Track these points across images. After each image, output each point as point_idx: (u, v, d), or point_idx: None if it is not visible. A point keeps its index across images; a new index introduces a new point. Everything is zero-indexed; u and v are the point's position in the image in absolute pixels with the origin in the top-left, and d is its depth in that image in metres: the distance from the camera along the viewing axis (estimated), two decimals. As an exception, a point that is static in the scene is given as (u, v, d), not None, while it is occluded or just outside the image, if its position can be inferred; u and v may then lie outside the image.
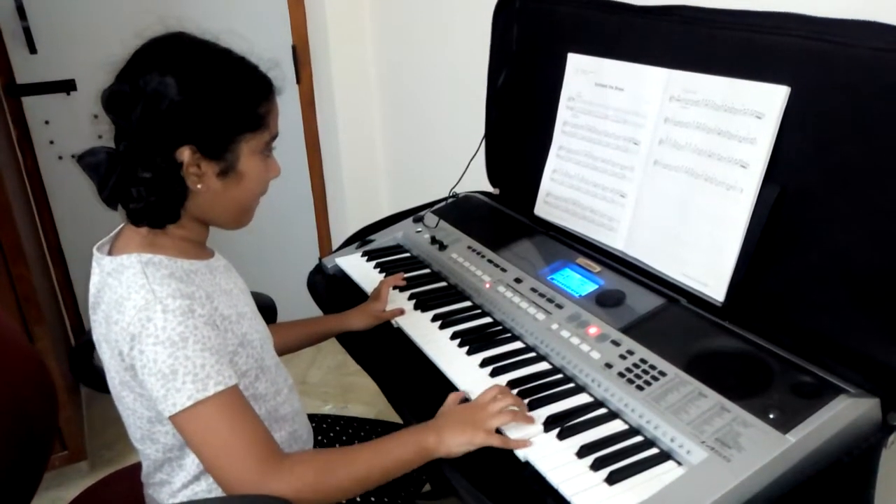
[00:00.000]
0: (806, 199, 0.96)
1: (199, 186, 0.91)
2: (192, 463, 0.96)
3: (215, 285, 0.96)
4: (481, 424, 0.91)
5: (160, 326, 0.84)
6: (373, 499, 1.14)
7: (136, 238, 0.93)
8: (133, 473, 1.21)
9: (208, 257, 1.00)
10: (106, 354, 0.94)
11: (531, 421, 0.94)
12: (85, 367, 1.27)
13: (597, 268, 1.20)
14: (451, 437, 0.91)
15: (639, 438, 0.90)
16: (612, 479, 0.83)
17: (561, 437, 0.91)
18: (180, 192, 0.91)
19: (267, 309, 1.38)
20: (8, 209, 1.67)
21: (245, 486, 0.84)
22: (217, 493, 0.98)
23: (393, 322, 1.24)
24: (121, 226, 1.00)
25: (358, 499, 1.12)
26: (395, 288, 1.30)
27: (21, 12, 1.97)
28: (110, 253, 0.94)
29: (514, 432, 0.93)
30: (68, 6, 2.04)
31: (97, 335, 0.96)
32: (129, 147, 0.89)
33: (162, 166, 0.88)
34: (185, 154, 0.88)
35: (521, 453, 0.90)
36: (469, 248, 1.37)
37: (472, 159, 1.51)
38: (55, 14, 2.03)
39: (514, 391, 1.00)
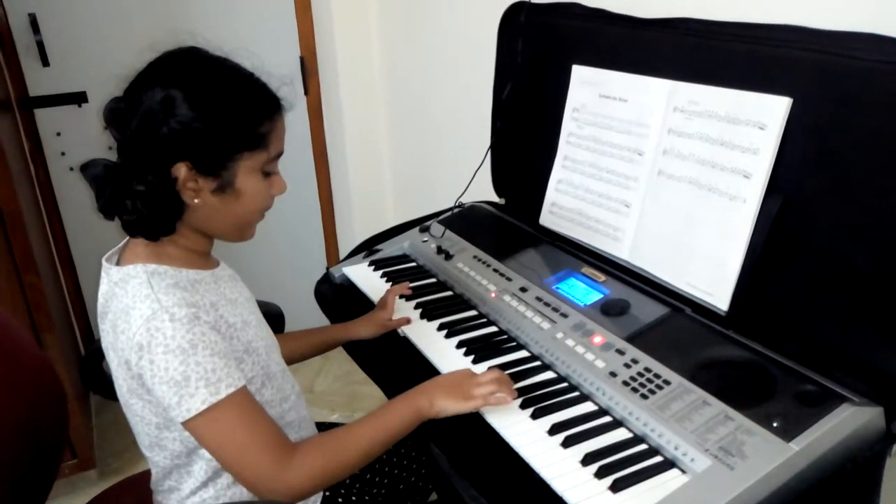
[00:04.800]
0: (809, 209, 0.97)
1: (196, 201, 0.92)
2: (200, 469, 0.98)
3: (220, 294, 0.98)
4: (468, 394, 0.98)
5: (169, 335, 0.85)
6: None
7: (142, 248, 0.94)
8: (141, 482, 1.22)
9: (213, 267, 1.01)
10: (114, 362, 0.95)
11: (507, 400, 1.00)
12: (95, 375, 1.29)
13: (602, 277, 1.21)
14: (442, 400, 0.97)
15: (643, 446, 0.91)
16: (616, 487, 0.84)
17: (566, 444, 0.92)
18: (175, 207, 0.92)
19: (275, 317, 1.39)
20: (20, 219, 1.69)
21: (264, 481, 0.89)
22: (224, 499, 0.99)
23: (399, 331, 1.25)
24: (127, 237, 1.01)
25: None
26: (401, 297, 1.31)
27: (35, 26, 2.00)
28: (118, 263, 0.96)
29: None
30: (81, 20, 2.07)
31: (105, 343, 0.97)
32: (125, 160, 0.90)
33: (156, 181, 0.89)
34: (181, 170, 0.89)
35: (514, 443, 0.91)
36: (475, 257, 1.38)
37: (477, 169, 1.52)
38: (68, 28, 2.06)
39: (520, 399, 1.01)
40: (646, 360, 1.00)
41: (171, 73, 0.90)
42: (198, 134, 0.88)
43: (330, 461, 0.93)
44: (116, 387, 0.98)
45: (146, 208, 0.90)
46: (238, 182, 0.93)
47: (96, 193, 0.93)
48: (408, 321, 1.25)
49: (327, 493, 1.12)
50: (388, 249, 1.53)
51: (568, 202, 1.34)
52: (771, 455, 0.81)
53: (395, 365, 1.21)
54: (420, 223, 1.58)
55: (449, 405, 0.97)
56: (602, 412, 0.98)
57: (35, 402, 1.11)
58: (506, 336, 1.18)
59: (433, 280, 1.39)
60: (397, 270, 1.45)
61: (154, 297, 0.87)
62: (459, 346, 1.16)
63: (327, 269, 1.50)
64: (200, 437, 0.89)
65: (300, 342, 1.29)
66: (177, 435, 0.95)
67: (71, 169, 2.18)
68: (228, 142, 0.91)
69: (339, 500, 1.13)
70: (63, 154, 2.17)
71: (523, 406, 1.00)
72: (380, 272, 1.44)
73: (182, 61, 0.92)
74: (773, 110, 0.98)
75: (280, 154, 0.98)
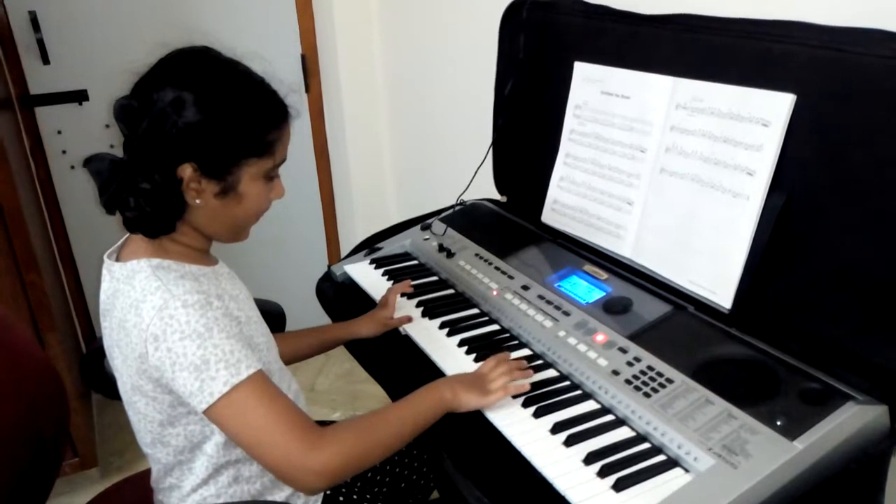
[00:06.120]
0: (812, 206, 0.96)
1: (197, 202, 0.92)
2: (201, 466, 0.98)
3: (223, 290, 0.98)
4: (486, 389, 0.99)
5: (183, 321, 0.85)
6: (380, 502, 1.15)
7: (144, 245, 0.94)
8: (142, 480, 1.21)
9: (213, 264, 1.01)
10: (118, 360, 0.95)
11: (526, 387, 1.02)
12: (96, 374, 1.28)
13: (604, 275, 1.20)
14: (463, 393, 0.98)
15: (646, 445, 0.90)
16: (619, 486, 0.84)
17: (568, 443, 0.91)
18: (177, 206, 0.92)
19: (276, 316, 1.39)
20: (21, 217, 1.69)
21: (292, 462, 0.86)
22: (226, 497, 0.99)
23: (400, 329, 1.24)
24: (127, 234, 1.01)
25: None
26: (402, 295, 1.31)
27: (35, 24, 2.00)
28: (118, 260, 0.96)
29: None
30: (81, 18, 2.07)
31: (109, 342, 0.97)
32: (132, 158, 0.90)
33: (161, 181, 0.89)
34: (186, 171, 0.89)
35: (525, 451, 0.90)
36: (476, 255, 1.38)
37: (479, 167, 1.52)
38: (68, 26, 2.06)
39: (521, 399, 1.00)
40: (648, 359, 1.00)
41: (184, 73, 0.89)
42: (206, 137, 0.89)
43: (361, 440, 0.91)
44: (120, 384, 0.98)
45: (149, 206, 0.90)
46: (241, 187, 0.94)
47: (99, 188, 0.92)
48: (409, 320, 1.24)
49: (328, 493, 1.12)
50: (390, 247, 1.52)
51: (570, 199, 1.34)
52: (775, 454, 0.80)
53: (397, 364, 1.21)
54: (421, 221, 1.57)
55: (471, 399, 0.98)
56: (604, 411, 0.98)
57: (36, 402, 1.11)
58: (507, 334, 1.18)
59: (435, 278, 1.39)
60: (399, 269, 1.44)
61: (164, 288, 0.88)
62: (461, 344, 1.16)
63: (329, 267, 1.50)
64: (224, 421, 0.87)
65: (302, 341, 1.29)
66: (180, 430, 0.95)
67: (72, 167, 2.18)
68: (236, 147, 0.91)
69: (341, 498, 1.13)
70: (64, 152, 2.16)
71: (525, 405, 1.00)
72: (381, 270, 1.44)
73: (195, 62, 0.91)
74: (776, 107, 0.98)
75: (284, 161, 0.98)
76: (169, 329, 0.85)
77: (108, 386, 1.28)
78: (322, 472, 0.86)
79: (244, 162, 0.92)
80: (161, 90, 0.87)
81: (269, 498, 1.03)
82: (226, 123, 0.89)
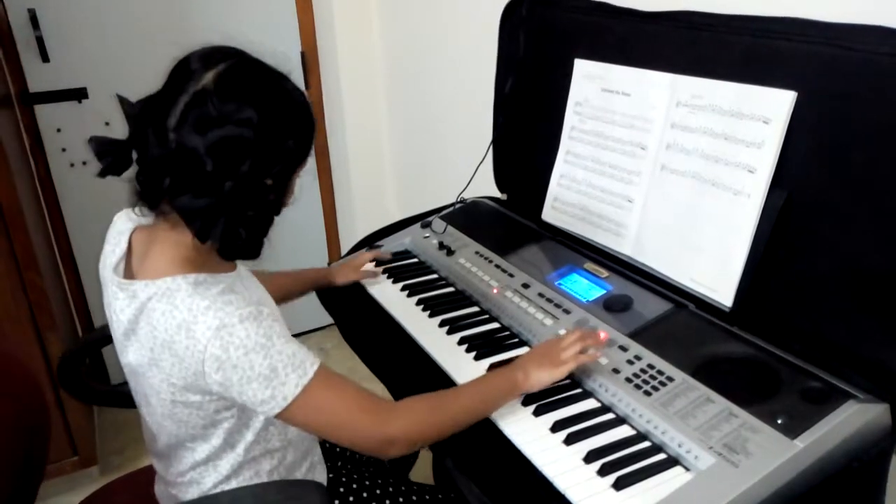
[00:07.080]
0: (813, 203, 0.96)
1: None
2: (226, 464, 0.98)
3: (253, 293, 0.97)
4: (557, 360, 1.01)
5: (244, 336, 0.85)
6: (380, 482, 1.16)
7: (168, 258, 0.91)
8: (142, 477, 1.21)
9: (234, 268, 0.99)
10: (155, 378, 0.91)
11: (598, 356, 1.03)
12: (74, 379, 1.27)
13: (604, 273, 1.20)
14: (535, 372, 1.00)
15: (646, 444, 0.90)
16: (619, 485, 0.83)
17: (568, 442, 0.91)
18: (270, 222, 0.93)
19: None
20: (20, 216, 1.68)
21: (369, 438, 0.93)
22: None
23: (401, 325, 1.24)
24: (125, 245, 0.98)
25: (369, 487, 1.14)
26: (402, 290, 1.31)
27: (34, 22, 2.00)
28: (135, 276, 0.93)
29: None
30: (80, 15, 2.06)
31: (137, 358, 0.93)
32: (234, 189, 0.86)
33: (267, 203, 0.90)
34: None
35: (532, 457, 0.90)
36: (477, 253, 1.37)
37: (479, 165, 1.52)
38: (68, 23, 2.05)
39: (522, 396, 1.00)
40: (649, 357, 0.99)
41: (254, 91, 0.87)
42: (288, 153, 0.90)
43: (434, 412, 0.96)
44: (156, 401, 0.94)
45: (255, 231, 0.89)
46: (290, 191, 0.95)
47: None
48: (375, 275, 1.39)
49: (331, 476, 1.14)
50: (390, 245, 1.52)
51: (570, 197, 1.33)
52: (775, 452, 0.80)
53: (398, 361, 1.20)
54: (422, 219, 1.57)
55: (543, 375, 1.00)
56: (605, 409, 0.97)
57: (25, 408, 1.11)
58: (508, 332, 1.18)
59: (435, 276, 1.39)
60: (398, 266, 1.44)
61: (216, 307, 0.86)
62: (461, 342, 1.15)
63: (329, 264, 1.50)
64: (299, 418, 0.91)
65: (277, 283, 1.29)
66: (221, 432, 0.95)
67: (72, 165, 2.18)
68: (299, 155, 0.93)
69: (343, 479, 1.15)
70: (64, 150, 2.16)
71: (525, 403, 0.99)
72: (381, 268, 1.44)
73: (243, 71, 0.89)
74: (777, 104, 0.97)
75: None
76: (231, 347, 0.85)
77: (86, 391, 1.28)
78: (396, 440, 0.92)
79: (299, 168, 0.94)
80: (243, 113, 0.84)
81: None
82: (299, 136, 0.90)
